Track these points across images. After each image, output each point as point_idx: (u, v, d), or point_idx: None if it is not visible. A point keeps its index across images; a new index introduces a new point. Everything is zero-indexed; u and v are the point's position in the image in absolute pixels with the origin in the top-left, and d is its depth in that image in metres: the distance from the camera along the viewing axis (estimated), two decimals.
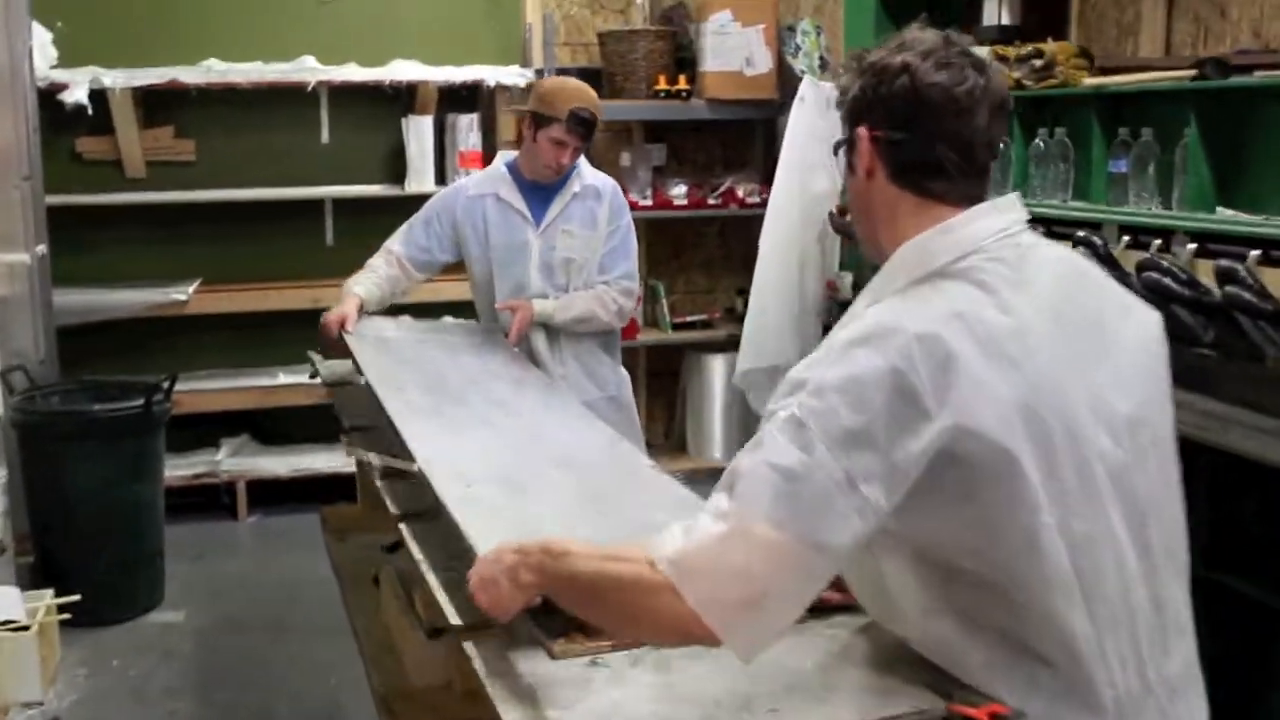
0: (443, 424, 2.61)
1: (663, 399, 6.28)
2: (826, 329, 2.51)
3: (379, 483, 2.54)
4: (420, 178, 5.66)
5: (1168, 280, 2.82)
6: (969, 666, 1.51)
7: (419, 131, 5.66)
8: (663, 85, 5.66)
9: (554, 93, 3.51)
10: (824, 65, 5.78)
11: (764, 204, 5.35)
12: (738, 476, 1.43)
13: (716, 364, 5.97)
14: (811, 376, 1.43)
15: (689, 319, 6.07)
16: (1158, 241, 3.11)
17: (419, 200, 3.94)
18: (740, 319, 5.46)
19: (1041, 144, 3.76)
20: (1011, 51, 3.75)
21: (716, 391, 5.99)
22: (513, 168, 3.65)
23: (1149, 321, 1.62)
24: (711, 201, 5.90)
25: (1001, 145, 1.72)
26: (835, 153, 1.68)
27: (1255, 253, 2.85)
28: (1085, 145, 3.64)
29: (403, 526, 2.22)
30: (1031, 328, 1.47)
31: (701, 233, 6.28)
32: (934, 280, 1.51)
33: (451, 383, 3.00)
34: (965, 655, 1.51)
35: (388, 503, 2.41)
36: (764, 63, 5.76)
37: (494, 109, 5.73)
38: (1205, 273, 2.92)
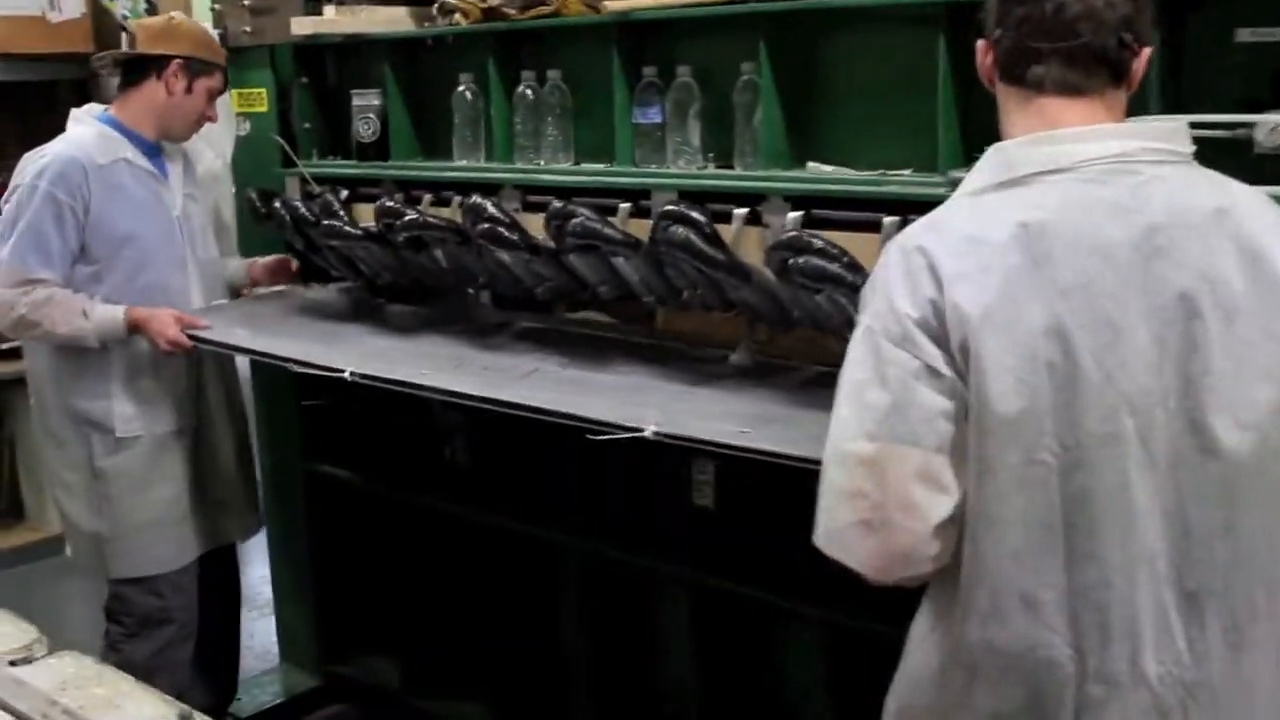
0: None
1: None
2: None
3: None
4: None
5: (820, 262, 2.18)
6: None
7: None
8: None
9: (208, 37, 3.20)
10: (151, 10, 4.63)
11: None
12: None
13: None
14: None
15: (4, 346, 4.59)
16: (795, 215, 2.43)
17: None
18: None
19: (529, 92, 2.99)
20: None
21: None
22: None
23: None
24: None
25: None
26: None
27: (891, 219, 2.30)
28: (596, 90, 2.90)
29: None
30: (1100, 255, 1.47)
31: None
32: (1008, 188, 1.53)
33: None
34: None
35: None
36: (74, 5, 4.42)
37: None
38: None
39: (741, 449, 1.99)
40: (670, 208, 2.37)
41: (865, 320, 1.54)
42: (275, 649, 4.05)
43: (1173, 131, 1.58)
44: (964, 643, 1.55)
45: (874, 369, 1.50)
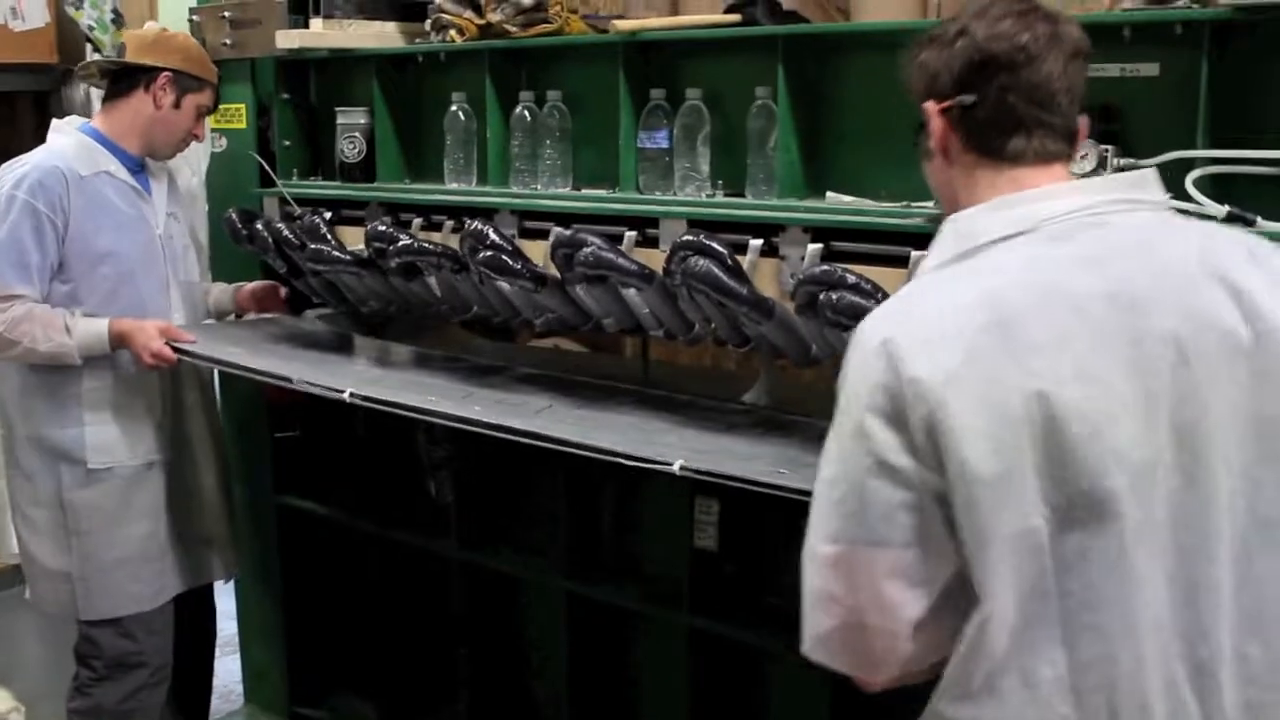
0: None
1: None
2: None
3: None
4: None
5: (854, 298, 2.06)
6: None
7: None
8: None
9: (200, 52, 3.04)
10: (117, 20, 4.48)
11: None
12: None
13: None
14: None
15: None
16: (815, 247, 2.30)
17: None
18: None
19: (527, 113, 2.86)
20: None
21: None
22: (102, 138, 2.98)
23: None
24: None
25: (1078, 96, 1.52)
26: (915, 142, 1.60)
27: (919, 253, 2.17)
28: (599, 113, 2.78)
29: None
30: (1073, 309, 1.37)
31: None
32: (970, 258, 1.45)
33: None
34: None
35: None
36: (39, 14, 4.25)
37: None
38: None
39: (778, 487, 1.88)
40: (688, 238, 2.25)
41: (835, 414, 1.45)
42: (239, 689, 3.87)
43: (1141, 179, 1.51)
44: None
45: (836, 466, 1.42)
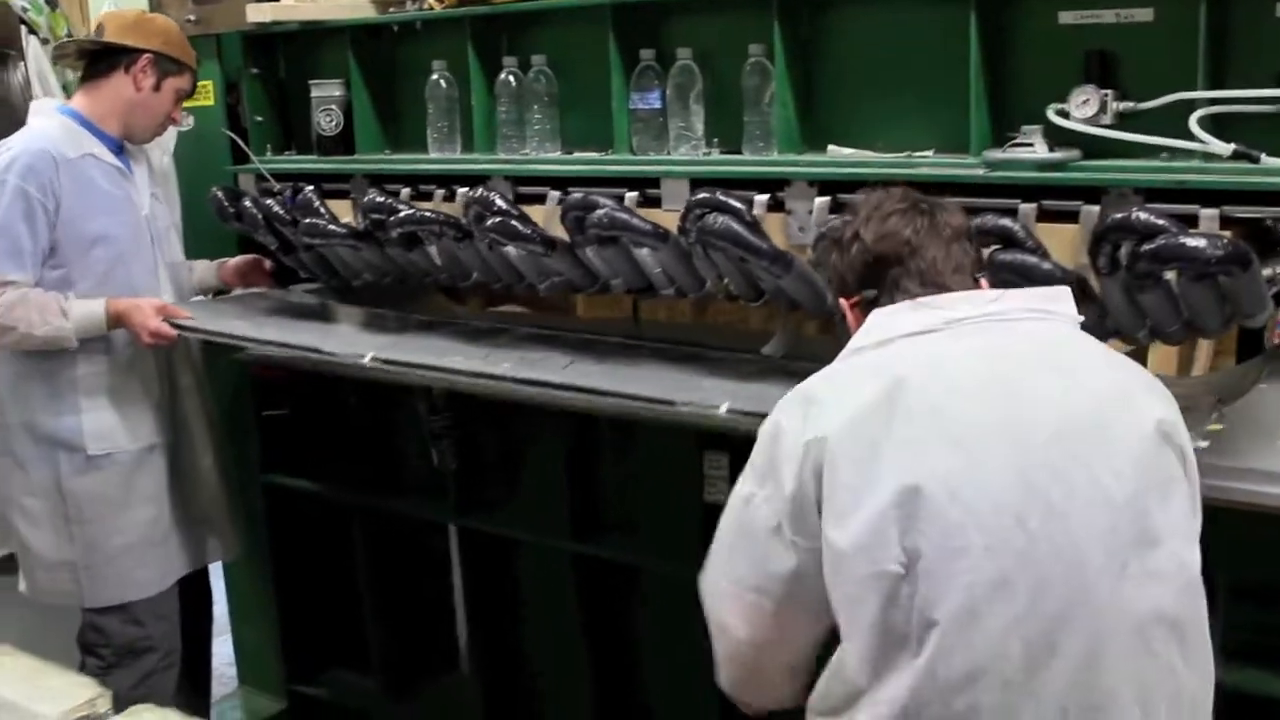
0: None
1: None
2: None
3: None
4: None
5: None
6: None
7: None
8: None
9: (180, 35, 2.99)
10: (51, 2, 4.35)
11: None
12: None
13: None
14: None
15: None
16: (823, 200, 2.34)
17: None
18: None
19: (512, 79, 2.86)
20: None
21: None
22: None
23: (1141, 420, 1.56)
24: None
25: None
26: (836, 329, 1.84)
27: (1028, 206, 2.19)
28: (587, 75, 2.79)
29: None
30: (953, 388, 1.55)
31: None
32: (856, 354, 1.67)
33: None
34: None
35: None
36: None
37: None
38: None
39: None
40: (704, 195, 2.28)
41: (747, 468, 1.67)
42: (231, 671, 3.85)
43: (1056, 294, 1.68)
44: None
45: (737, 513, 1.67)
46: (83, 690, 1.56)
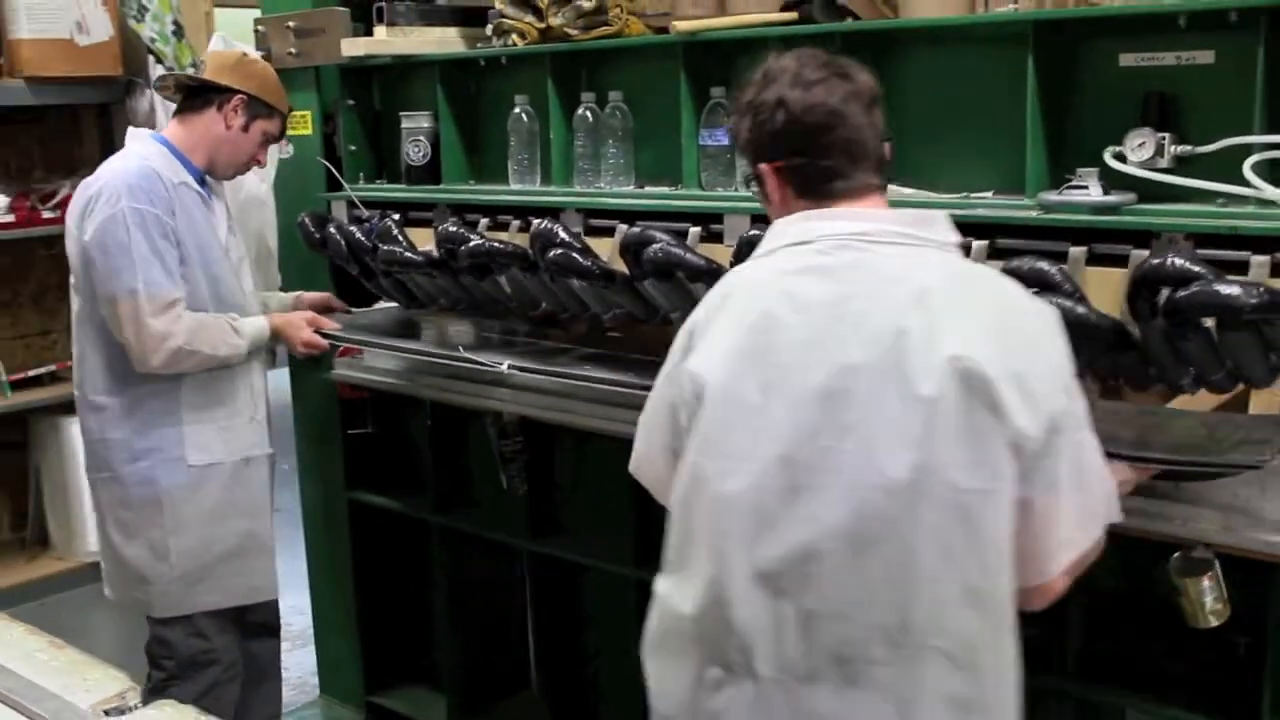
0: None
1: (8, 483, 4.66)
2: None
3: None
4: None
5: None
6: None
7: None
8: None
9: (277, 82, 3.06)
10: (178, 33, 4.55)
11: None
12: None
13: (78, 429, 4.47)
14: None
15: (31, 373, 4.51)
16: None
17: None
18: None
19: (589, 114, 2.94)
20: None
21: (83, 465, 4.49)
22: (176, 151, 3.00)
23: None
24: (47, 215, 4.38)
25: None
26: (747, 186, 2.20)
27: (1078, 250, 2.19)
28: (660, 111, 2.85)
29: None
30: (787, 305, 1.66)
31: (30, 257, 4.70)
32: (764, 257, 1.77)
33: None
34: None
35: None
36: (102, 28, 4.35)
37: None
38: None
39: None
40: (755, 233, 2.31)
41: None
42: (313, 680, 3.98)
43: (927, 218, 1.73)
44: None
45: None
46: (116, 684, 1.65)
